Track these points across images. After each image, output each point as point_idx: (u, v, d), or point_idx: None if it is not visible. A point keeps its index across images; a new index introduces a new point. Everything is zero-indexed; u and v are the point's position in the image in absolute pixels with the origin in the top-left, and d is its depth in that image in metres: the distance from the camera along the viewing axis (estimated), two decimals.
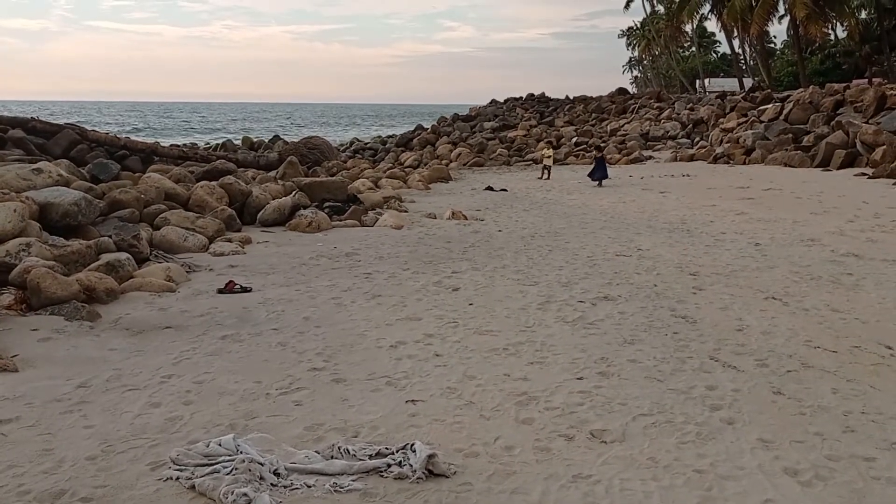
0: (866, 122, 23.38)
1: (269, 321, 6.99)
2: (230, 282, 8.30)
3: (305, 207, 13.42)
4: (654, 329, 6.68)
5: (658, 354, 5.94)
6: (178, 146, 29.77)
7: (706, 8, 49.25)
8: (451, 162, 32.04)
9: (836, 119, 24.87)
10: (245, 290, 8.16)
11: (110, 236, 9.43)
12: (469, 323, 6.91)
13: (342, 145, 44.04)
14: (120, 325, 6.80)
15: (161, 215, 11.32)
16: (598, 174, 21.56)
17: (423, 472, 3.91)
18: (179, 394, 5.10)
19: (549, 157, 24.28)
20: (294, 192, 14.24)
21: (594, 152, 24.63)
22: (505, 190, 20.02)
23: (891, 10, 44.45)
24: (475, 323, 6.91)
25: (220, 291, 8.10)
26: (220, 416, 4.74)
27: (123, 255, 8.75)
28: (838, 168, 21.63)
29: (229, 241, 10.93)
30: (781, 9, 43.65)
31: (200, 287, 8.32)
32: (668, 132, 35.58)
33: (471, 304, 7.61)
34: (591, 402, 4.95)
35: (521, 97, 51.90)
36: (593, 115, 43.07)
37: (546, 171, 23.56)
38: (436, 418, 4.71)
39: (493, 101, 53.33)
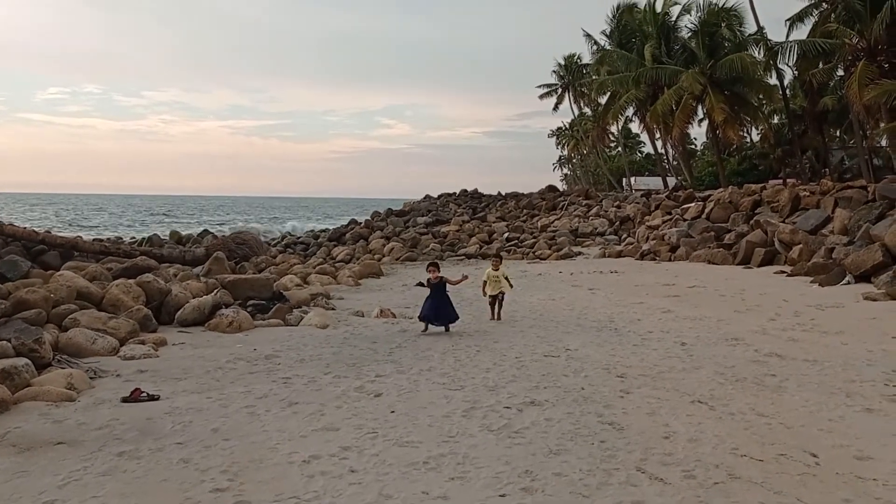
0: (783, 222, 24.38)
1: (173, 434, 6.51)
2: (136, 389, 7.78)
3: (227, 306, 12.97)
4: (580, 437, 6.46)
5: (584, 466, 5.70)
6: (101, 240, 28.89)
7: (630, 111, 51.62)
8: (383, 256, 31.97)
9: (755, 218, 25.89)
10: (152, 398, 7.65)
11: (10, 340, 8.81)
12: (389, 433, 6.57)
13: (274, 240, 43.58)
14: (6, 440, 6.22)
15: (71, 316, 10.73)
16: (430, 309, 11.95)
17: None
18: None
19: (497, 279, 13.37)
20: (216, 290, 13.79)
21: (430, 271, 12.55)
22: None
23: (800, 116, 47.55)
24: (396, 433, 6.57)
25: (125, 400, 7.57)
26: None
27: (21, 361, 8.15)
28: (759, 265, 22.34)
29: (142, 343, 10.38)
30: (700, 113, 46.05)
31: (104, 395, 7.77)
32: (596, 229, 36.47)
33: (392, 412, 7.27)
34: None
35: (455, 193, 52.90)
36: (524, 211, 44.02)
37: (495, 306, 13.42)
38: None
39: (427, 197, 54.12)
